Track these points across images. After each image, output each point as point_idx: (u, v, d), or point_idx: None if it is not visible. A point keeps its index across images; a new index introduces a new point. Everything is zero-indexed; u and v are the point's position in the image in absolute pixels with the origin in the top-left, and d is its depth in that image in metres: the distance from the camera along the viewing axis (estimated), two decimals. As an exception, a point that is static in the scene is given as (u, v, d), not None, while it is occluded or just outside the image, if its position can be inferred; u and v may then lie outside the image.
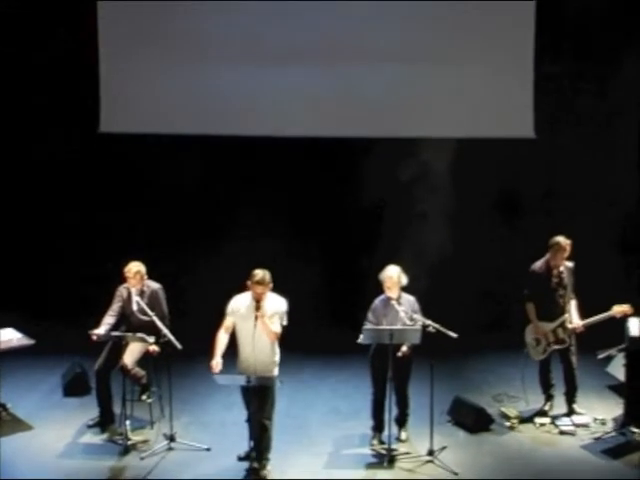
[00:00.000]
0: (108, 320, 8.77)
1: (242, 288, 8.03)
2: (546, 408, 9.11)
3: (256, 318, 7.84)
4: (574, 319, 8.99)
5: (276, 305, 7.96)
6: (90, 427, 8.87)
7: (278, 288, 8.05)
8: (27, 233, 11.53)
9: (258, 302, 7.85)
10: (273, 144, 11.09)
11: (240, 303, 7.99)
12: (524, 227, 11.13)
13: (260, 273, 7.90)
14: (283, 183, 11.29)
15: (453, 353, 9.32)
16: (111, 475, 7.97)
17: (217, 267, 11.01)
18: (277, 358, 8.02)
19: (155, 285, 8.94)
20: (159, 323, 8.47)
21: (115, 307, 8.86)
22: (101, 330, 8.62)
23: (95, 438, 8.70)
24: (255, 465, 7.87)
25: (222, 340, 7.96)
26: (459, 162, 10.61)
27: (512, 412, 9.04)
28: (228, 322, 8.02)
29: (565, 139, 11.12)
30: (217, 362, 7.85)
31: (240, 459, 8.12)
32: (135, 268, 8.78)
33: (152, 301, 8.80)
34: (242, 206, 11.32)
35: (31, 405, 9.36)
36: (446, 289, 10.66)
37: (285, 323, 7.98)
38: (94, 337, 8.55)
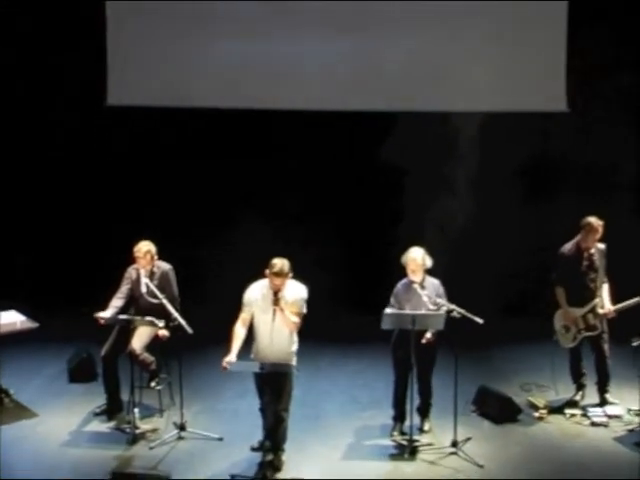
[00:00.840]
0: (116, 303, 8.71)
1: (259, 274, 7.86)
2: (577, 398, 9.04)
3: (275, 312, 7.72)
4: (606, 304, 8.88)
5: (296, 293, 7.81)
6: (96, 415, 8.85)
7: (294, 272, 7.89)
8: (30, 214, 11.49)
9: (276, 293, 7.71)
10: (289, 118, 10.99)
11: (257, 293, 7.83)
12: (554, 206, 11.01)
13: (279, 263, 7.70)
14: (299, 160, 11.20)
15: (479, 340, 9.27)
16: (118, 465, 7.91)
17: (231, 248, 10.96)
18: (295, 348, 7.92)
19: (166, 266, 8.88)
20: (169, 306, 8.41)
21: (123, 289, 8.81)
22: (108, 313, 8.56)
23: (102, 426, 8.68)
24: (269, 457, 7.82)
25: (239, 335, 7.82)
26: (488, 137, 10.50)
27: (541, 402, 8.97)
28: (246, 314, 7.86)
29: (598, 113, 10.97)
30: (230, 360, 7.69)
31: (253, 450, 8.06)
32: (145, 247, 8.71)
33: (162, 282, 8.74)
34: (257, 184, 11.26)
35: (35, 391, 9.35)
36: (471, 271, 10.61)
37: (305, 311, 7.86)
38: (101, 321, 8.50)
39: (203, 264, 11.18)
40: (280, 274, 7.68)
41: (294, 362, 7.89)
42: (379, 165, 10.97)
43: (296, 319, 7.78)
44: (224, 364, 7.71)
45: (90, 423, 8.73)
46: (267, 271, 7.74)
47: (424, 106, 10.83)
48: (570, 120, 10.95)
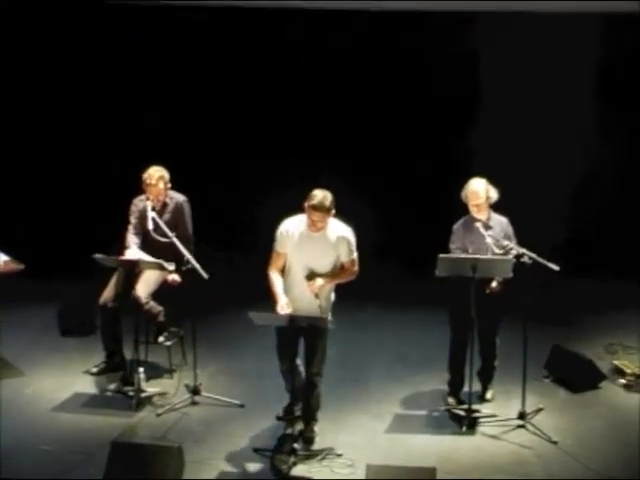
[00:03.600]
0: (134, 239, 8.73)
1: (295, 209, 7.78)
2: (673, 363, 9.00)
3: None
4: None
5: (340, 235, 7.67)
6: (94, 375, 8.91)
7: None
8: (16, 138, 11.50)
9: (311, 276, 7.58)
10: (328, 19, 10.81)
11: (293, 230, 7.69)
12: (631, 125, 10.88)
13: (319, 195, 7.53)
14: (339, 68, 11.06)
15: (554, 291, 9.18)
16: (120, 434, 7.89)
17: (260, 181, 10.92)
18: (333, 299, 7.87)
19: (180, 197, 8.87)
20: (181, 246, 8.35)
21: (135, 223, 8.81)
22: (133, 251, 8.54)
23: (100, 388, 8.73)
24: (299, 427, 7.81)
25: (278, 280, 7.73)
26: (553, 43, 10.36)
27: (629, 367, 8.94)
28: (279, 258, 7.74)
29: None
30: (286, 302, 7.60)
31: (279, 419, 8.04)
32: (157, 173, 8.68)
33: (176, 216, 8.75)
34: (291, 102, 11.15)
35: (21, 346, 9.43)
36: (543, 208, 10.48)
37: (355, 256, 7.74)
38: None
39: (223, 199, 11.15)
40: (320, 208, 7.51)
41: (330, 316, 7.83)
42: (435, 77, 10.87)
43: (354, 269, 7.71)
44: (281, 307, 7.59)
45: (86, 384, 8.77)
46: (305, 204, 7.60)
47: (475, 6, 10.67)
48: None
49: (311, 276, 7.64)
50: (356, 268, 7.77)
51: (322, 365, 7.82)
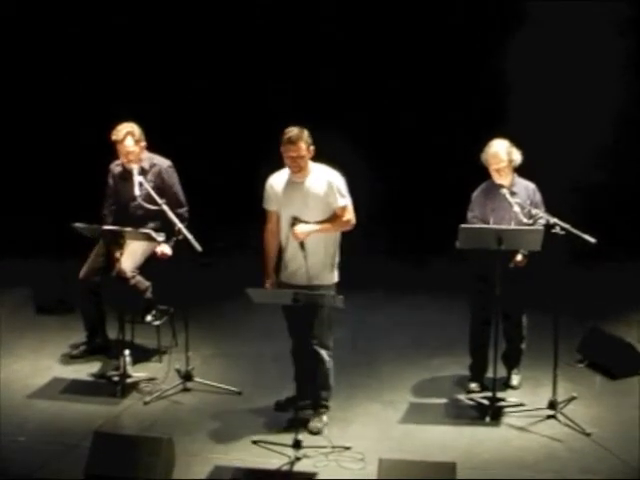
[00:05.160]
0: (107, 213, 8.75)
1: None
2: None
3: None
4: None
5: (326, 177, 7.64)
6: (74, 357, 8.93)
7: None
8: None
9: (294, 222, 7.54)
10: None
11: (277, 182, 7.74)
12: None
13: (295, 129, 7.62)
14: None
15: (588, 265, 9.09)
16: (103, 424, 7.86)
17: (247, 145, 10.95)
18: (337, 259, 7.77)
19: (164, 162, 8.79)
20: (171, 214, 8.25)
21: (108, 194, 8.78)
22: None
23: (81, 372, 8.71)
24: (305, 414, 7.75)
25: (272, 247, 7.81)
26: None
27: (672, 351, 8.76)
28: (271, 217, 7.79)
29: None
30: (272, 282, 7.79)
31: (278, 407, 8.04)
32: (125, 129, 8.53)
33: (158, 185, 8.65)
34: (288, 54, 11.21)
35: (-7, 325, 9.25)
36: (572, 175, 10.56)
37: (347, 203, 7.67)
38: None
39: (217, 171, 11.13)
40: (296, 140, 7.56)
41: (336, 277, 7.75)
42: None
43: (346, 217, 7.65)
44: (267, 287, 7.79)
45: (66, 368, 8.78)
46: (281, 146, 7.60)
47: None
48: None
49: (296, 222, 7.59)
50: (349, 217, 7.72)
51: (325, 334, 7.79)
